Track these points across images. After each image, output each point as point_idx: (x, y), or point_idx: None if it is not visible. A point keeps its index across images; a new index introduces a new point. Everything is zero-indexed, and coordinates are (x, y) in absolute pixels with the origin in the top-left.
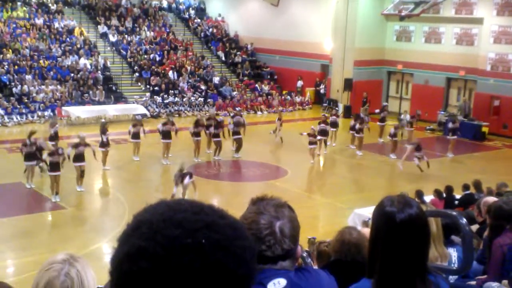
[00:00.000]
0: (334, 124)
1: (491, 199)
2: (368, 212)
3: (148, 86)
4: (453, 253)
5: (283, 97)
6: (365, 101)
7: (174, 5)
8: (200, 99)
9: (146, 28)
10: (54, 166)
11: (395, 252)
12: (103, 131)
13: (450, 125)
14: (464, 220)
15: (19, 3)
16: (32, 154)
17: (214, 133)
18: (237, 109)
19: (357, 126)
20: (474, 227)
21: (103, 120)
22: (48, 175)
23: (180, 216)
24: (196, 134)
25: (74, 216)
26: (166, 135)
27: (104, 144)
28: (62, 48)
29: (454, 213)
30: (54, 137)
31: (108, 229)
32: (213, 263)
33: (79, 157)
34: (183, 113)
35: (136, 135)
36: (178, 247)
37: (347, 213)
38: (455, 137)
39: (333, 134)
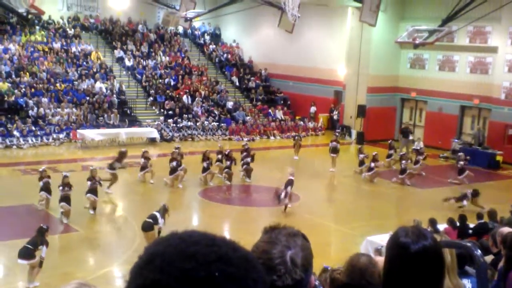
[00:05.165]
0: (335, 150)
1: (506, 229)
2: (380, 239)
3: (162, 110)
4: (467, 284)
5: (295, 123)
6: (407, 132)
7: (189, 31)
8: (213, 123)
9: (161, 53)
10: (65, 199)
11: (409, 283)
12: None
13: (459, 164)
14: (479, 252)
15: (37, 27)
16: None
17: (226, 166)
18: (245, 139)
19: (372, 165)
20: (489, 258)
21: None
22: None
23: (193, 249)
24: (205, 169)
25: (86, 239)
26: (173, 170)
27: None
28: (79, 72)
29: (469, 244)
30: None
31: (119, 253)
32: None
33: (92, 191)
34: (196, 137)
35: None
36: (191, 280)
37: (359, 240)
38: (464, 175)
39: (333, 160)
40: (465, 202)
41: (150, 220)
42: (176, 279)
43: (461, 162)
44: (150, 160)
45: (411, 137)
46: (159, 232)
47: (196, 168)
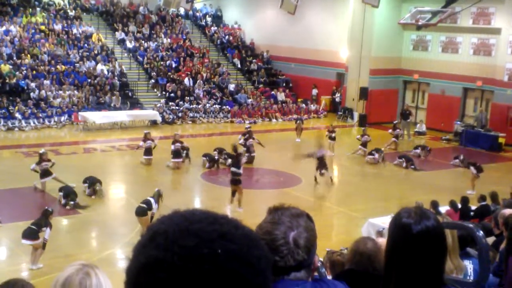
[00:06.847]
0: (331, 138)
1: (508, 211)
2: (381, 221)
3: (164, 93)
4: (469, 266)
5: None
6: (407, 114)
7: (191, 13)
8: (215, 105)
9: (163, 35)
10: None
11: (411, 263)
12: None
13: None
14: (481, 233)
15: (38, 9)
16: (48, 171)
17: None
18: (247, 122)
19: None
20: (491, 239)
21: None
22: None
23: (196, 227)
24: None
25: (88, 221)
26: (177, 154)
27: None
28: (80, 53)
29: (471, 225)
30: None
31: (122, 235)
32: (229, 273)
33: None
34: (198, 120)
35: (148, 151)
36: (194, 257)
37: (360, 222)
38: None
39: (331, 146)
40: (472, 169)
41: (144, 205)
42: (179, 256)
43: (459, 159)
44: (154, 141)
45: (410, 119)
46: (151, 217)
47: (199, 150)
